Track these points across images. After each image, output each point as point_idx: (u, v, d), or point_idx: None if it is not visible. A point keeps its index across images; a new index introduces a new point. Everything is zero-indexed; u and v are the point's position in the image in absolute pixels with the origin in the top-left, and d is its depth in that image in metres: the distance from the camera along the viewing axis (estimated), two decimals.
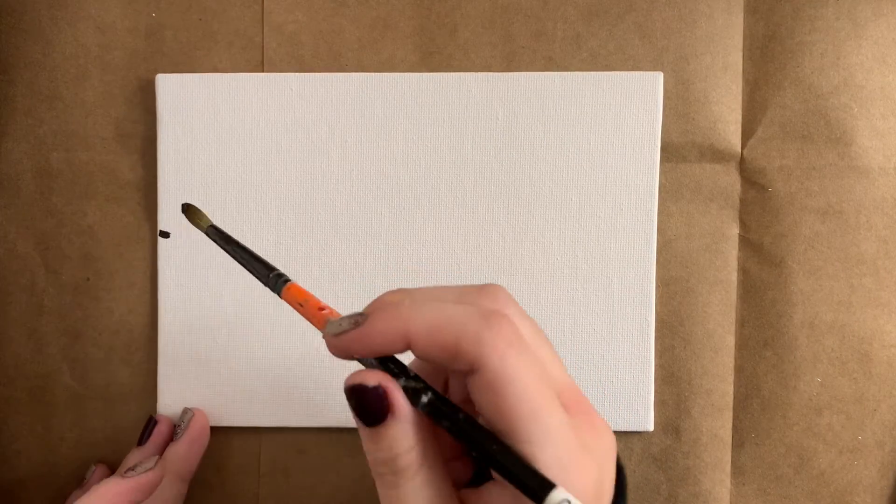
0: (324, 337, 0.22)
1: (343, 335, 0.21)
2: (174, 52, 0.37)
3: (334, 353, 0.22)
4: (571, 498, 0.18)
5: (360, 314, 0.21)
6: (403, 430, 0.21)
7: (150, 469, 0.32)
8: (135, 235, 0.37)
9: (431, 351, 0.20)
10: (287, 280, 0.26)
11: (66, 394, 0.37)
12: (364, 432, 0.21)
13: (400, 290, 0.23)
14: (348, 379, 0.21)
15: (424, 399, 0.21)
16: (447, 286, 0.23)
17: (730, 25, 0.36)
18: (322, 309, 0.24)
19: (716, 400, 0.37)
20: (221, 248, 0.28)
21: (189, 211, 0.32)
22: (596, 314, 0.36)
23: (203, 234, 0.30)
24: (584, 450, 0.20)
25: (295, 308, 0.25)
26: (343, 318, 0.22)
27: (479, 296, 0.21)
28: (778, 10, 0.36)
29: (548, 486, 0.19)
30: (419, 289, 0.23)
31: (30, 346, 0.37)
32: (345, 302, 0.36)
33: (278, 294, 0.26)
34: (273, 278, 0.26)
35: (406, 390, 0.21)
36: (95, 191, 0.37)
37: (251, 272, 0.27)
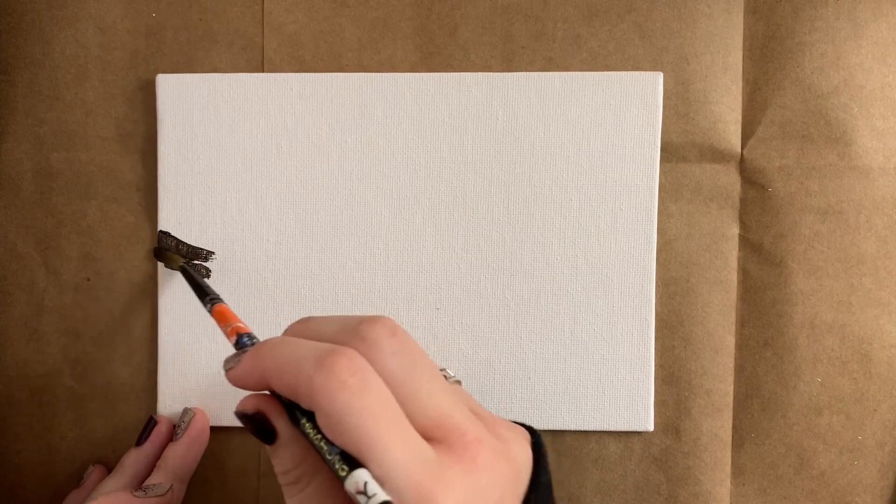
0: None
1: (228, 373, 0.24)
2: (174, 52, 0.37)
3: (234, 385, 0.24)
4: (370, 479, 0.19)
5: (243, 353, 0.23)
6: (287, 451, 0.23)
7: (162, 496, 0.32)
8: (135, 235, 0.37)
9: (285, 392, 0.22)
10: (216, 303, 0.29)
11: (66, 394, 0.37)
12: (266, 447, 0.23)
13: (299, 321, 0.25)
14: (238, 404, 0.24)
15: (303, 421, 0.22)
16: (336, 318, 0.24)
17: (730, 25, 0.36)
18: (230, 333, 0.26)
19: (716, 400, 0.37)
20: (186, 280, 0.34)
21: (162, 255, 0.36)
22: (596, 314, 0.36)
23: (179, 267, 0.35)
24: (440, 484, 0.20)
25: (219, 325, 0.28)
26: (230, 357, 0.24)
27: (354, 331, 0.22)
28: (778, 10, 0.36)
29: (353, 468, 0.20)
30: (310, 321, 0.24)
31: (30, 346, 0.37)
32: (345, 302, 0.36)
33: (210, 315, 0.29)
34: (205, 302, 0.30)
35: (293, 411, 0.22)
36: (95, 191, 0.37)
37: (196, 295, 0.32)
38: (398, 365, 0.22)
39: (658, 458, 0.37)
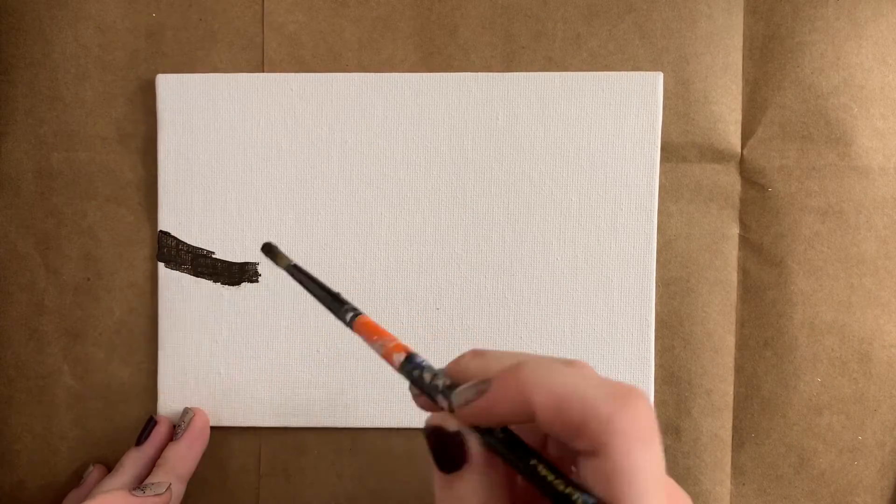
0: (448, 409, 0.21)
1: (469, 406, 0.20)
2: (174, 52, 0.37)
3: (463, 422, 0.20)
4: None
5: (483, 382, 0.20)
6: (476, 482, 0.20)
7: (160, 494, 0.32)
8: (135, 235, 0.37)
9: (555, 426, 0.19)
10: (358, 314, 0.25)
11: (66, 394, 0.37)
12: (438, 476, 0.20)
13: (472, 353, 0.21)
14: (429, 420, 0.20)
15: (532, 462, 0.19)
16: (519, 355, 0.21)
17: (730, 25, 0.36)
18: (392, 350, 0.23)
19: (716, 400, 0.37)
20: (301, 284, 0.28)
21: (271, 252, 0.30)
22: (596, 314, 0.36)
23: (284, 271, 0.29)
24: None
25: (367, 341, 0.24)
26: (467, 388, 0.20)
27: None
28: (778, 10, 0.36)
29: None
30: (487, 355, 0.21)
31: (30, 346, 0.37)
32: None
33: (350, 328, 0.25)
34: (344, 313, 0.25)
35: (516, 448, 0.20)
36: (95, 191, 0.37)
37: (325, 306, 0.26)
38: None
39: None
